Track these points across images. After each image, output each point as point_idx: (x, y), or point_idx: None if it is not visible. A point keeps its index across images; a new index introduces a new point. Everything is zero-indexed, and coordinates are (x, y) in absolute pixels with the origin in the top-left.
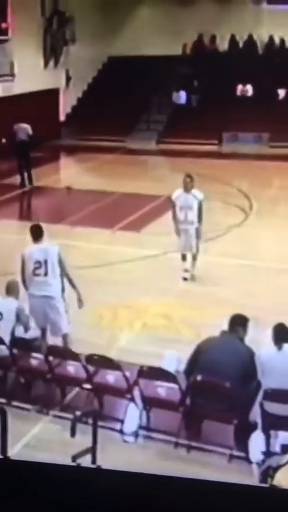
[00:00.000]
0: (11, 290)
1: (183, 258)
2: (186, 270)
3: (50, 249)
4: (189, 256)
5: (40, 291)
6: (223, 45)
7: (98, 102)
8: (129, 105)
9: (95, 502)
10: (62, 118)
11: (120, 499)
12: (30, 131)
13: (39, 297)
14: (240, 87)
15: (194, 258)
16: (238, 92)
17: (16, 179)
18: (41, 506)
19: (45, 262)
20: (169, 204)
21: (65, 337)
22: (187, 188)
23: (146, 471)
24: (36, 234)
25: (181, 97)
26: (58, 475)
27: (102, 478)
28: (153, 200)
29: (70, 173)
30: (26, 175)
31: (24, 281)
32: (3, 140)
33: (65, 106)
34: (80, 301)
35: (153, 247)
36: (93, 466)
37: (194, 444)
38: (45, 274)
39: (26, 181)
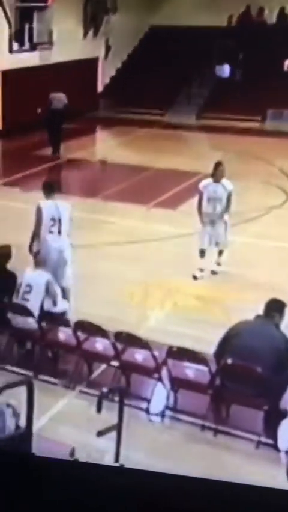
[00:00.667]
0: (40, 263)
1: (202, 254)
2: (201, 269)
3: (63, 207)
4: (210, 252)
5: (56, 242)
6: (271, 18)
7: (138, 73)
8: (170, 77)
9: (116, 501)
10: (100, 89)
11: (140, 499)
12: (65, 101)
13: (54, 248)
14: (287, 62)
15: (220, 253)
16: (285, 68)
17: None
18: (60, 503)
19: (59, 220)
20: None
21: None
22: (217, 178)
23: (168, 470)
24: (49, 190)
25: (224, 70)
26: (80, 472)
27: (124, 477)
28: (191, 177)
29: (106, 146)
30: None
31: (37, 233)
32: (39, 110)
33: (103, 77)
34: None
35: (189, 225)
36: (116, 465)
37: (221, 428)
38: (59, 232)
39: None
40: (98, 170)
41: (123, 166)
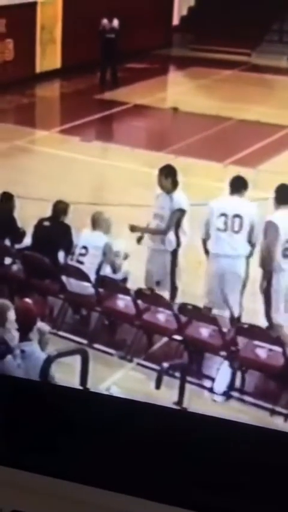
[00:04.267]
0: (97, 223)
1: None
2: None
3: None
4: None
5: None
6: None
7: (222, 3)
8: (259, 9)
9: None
10: (175, 21)
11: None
12: (117, 27)
13: None
14: None
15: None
16: None
17: (115, 95)
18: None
19: None
20: None
21: None
22: (163, 187)
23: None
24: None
25: None
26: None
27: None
28: (278, 131)
29: (179, 91)
30: (109, 72)
31: None
32: None
33: (180, 7)
34: None
35: (271, 188)
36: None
37: None
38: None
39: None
40: (168, 119)
41: (197, 115)
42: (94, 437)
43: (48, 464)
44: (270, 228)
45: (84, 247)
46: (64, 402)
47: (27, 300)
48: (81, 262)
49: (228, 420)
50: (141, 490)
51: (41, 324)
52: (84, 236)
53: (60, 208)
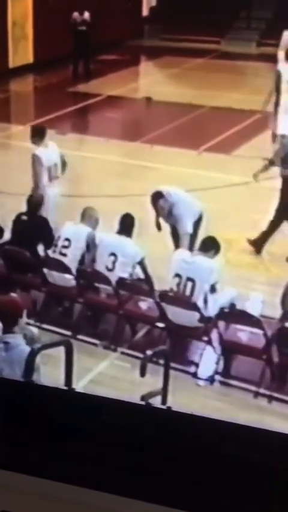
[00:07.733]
0: (86, 217)
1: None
2: None
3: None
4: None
5: None
6: None
7: None
8: None
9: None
10: (145, 12)
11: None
12: (88, 19)
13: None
14: None
15: None
16: None
17: (89, 87)
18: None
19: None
20: (268, 121)
21: None
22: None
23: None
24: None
25: None
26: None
27: (171, 420)
28: (250, 116)
29: (151, 80)
30: (82, 65)
31: None
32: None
33: None
34: None
35: (245, 173)
36: (163, 407)
37: (276, 395)
38: None
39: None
40: (142, 109)
41: (170, 104)
42: (82, 436)
43: (37, 465)
44: (36, 161)
45: (67, 240)
46: (49, 401)
47: (12, 294)
48: (64, 255)
49: (222, 421)
50: (130, 489)
51: (28, 326)
52: (67, 229)
53: (35, 201)
